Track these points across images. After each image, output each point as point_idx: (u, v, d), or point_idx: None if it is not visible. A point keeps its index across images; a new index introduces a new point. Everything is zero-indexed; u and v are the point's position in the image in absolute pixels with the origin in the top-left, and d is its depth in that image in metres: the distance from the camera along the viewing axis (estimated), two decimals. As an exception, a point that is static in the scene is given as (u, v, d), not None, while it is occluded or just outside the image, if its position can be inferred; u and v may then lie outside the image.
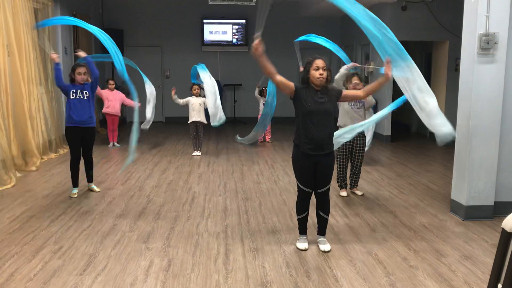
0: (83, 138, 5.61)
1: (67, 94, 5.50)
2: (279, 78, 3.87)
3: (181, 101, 8.22)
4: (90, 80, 5.61)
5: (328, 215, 4.11)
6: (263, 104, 9.33)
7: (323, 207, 4.06)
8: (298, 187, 4.05)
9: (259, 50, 3.66)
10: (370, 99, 5.77)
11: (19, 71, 7.08)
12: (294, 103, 3.95)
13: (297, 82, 3.99)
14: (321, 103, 3.85)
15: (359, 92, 4.16)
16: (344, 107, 5.65)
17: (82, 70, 5.54)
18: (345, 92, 4.07)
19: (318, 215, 4.11)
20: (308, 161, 3.90)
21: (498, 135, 4.82)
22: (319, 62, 3.84)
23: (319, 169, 3.92)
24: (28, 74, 7.42)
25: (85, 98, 5.53)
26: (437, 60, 10.24)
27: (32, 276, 3.50)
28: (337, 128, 5.44)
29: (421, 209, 5.29)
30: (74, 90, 5.51)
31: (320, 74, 3.82)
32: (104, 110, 9.10)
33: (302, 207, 4.10)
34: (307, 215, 4.14)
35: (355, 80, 5.55)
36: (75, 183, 5.72)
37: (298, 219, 4.16)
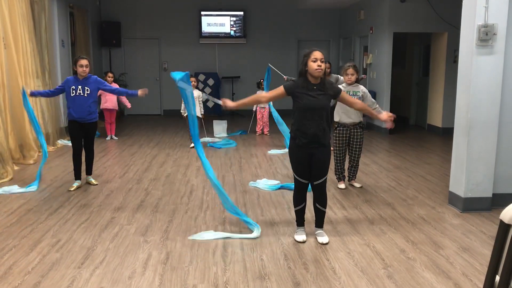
0: (84, 131, 5.59)
1: (67, 92, 5.44)
2: (267, 95, 4.09)
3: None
4: (90, 73, 5.55)
5: (325, 208, 4.11)
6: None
7: (320, 200, 4.06)
8: (295, 178, 4.06)
9: (230, 105, 3.97)
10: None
11: (16, 64, 7.04)
12: (292, 98, 3.97)
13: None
14: (317, 99, 3.85)
15: (358, 102, 4.20)
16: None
17: (84, 62, 5.43)
18: (344, 94, 4.06)
19: (315, 208, 4.12)
20: (304, 153, 3.92)
21: (497, 127, 4.81)
22: (317, 54, 3.82)
23: (314, 161, 3.94)
24: (25, 66, 7.38)
25: (85, 95, 5.43)
26: (436, 52, 10.21)
27: (30, 269, 3.50)
28: (332, 122, 5.40)
29: (419, 201, 5.29)
30: (74, 87, 5.42)
31: (318, 66, 3.80)
32: (102, 106, 9.07)
33: (299, 198, 4.10)
34: (304, 206, 4.14)
35: (350, 72, 5.51)
36: (77, 176, 5.70)
37: (295, 211, 4.17)
